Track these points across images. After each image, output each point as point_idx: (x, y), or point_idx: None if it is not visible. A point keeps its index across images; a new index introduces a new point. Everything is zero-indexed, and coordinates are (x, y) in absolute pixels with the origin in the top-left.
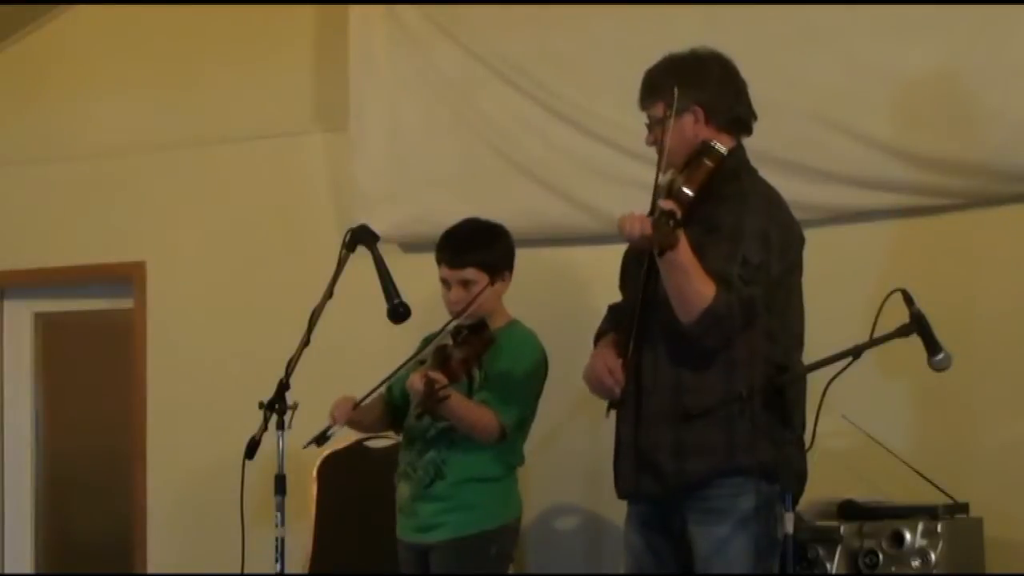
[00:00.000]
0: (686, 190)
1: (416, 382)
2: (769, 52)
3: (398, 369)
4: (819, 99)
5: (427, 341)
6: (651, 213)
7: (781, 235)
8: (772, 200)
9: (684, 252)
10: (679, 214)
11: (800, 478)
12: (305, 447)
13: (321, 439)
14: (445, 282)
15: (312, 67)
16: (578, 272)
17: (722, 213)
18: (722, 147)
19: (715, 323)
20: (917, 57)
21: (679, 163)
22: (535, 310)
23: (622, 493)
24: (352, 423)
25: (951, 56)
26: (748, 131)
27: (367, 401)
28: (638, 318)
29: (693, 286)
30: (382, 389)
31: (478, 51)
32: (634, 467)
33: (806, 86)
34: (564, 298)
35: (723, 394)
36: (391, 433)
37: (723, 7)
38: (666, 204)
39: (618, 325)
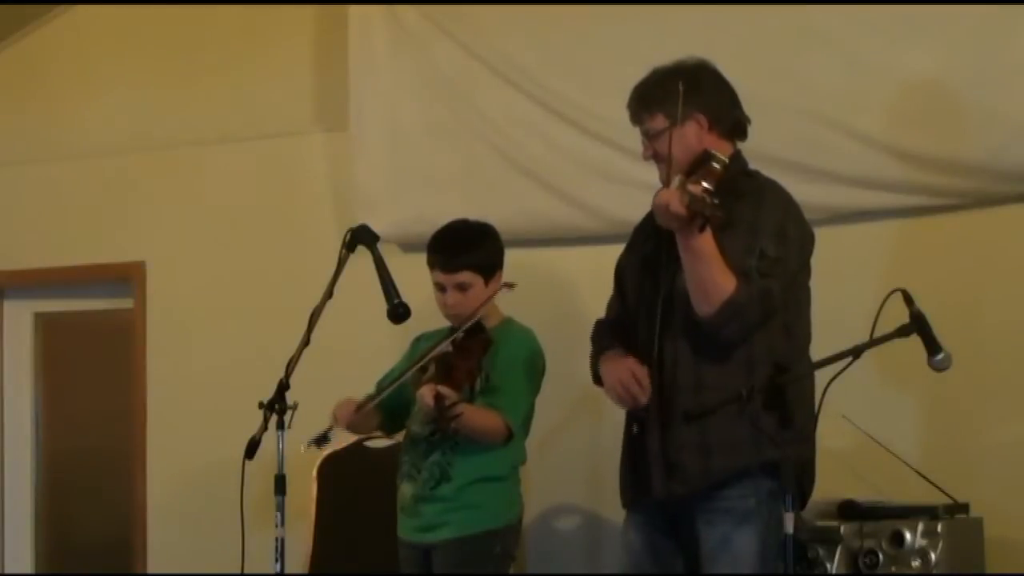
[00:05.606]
0: (705, 184)
1: (427, 400)
2: (769, 52)
3: (398, 378)
4: (819, 99)
5: (419, 341)
6: None
7: (798, 231)
8: (788, 198)
9: (708, 241)
10: (708, 198)
11: (811, 478)
12: (305, 449)
13: (322, 440)
14: (439, 286)
15: (312, 67)
16: (578, 272)
17: (740, 209)
18: (722, 155)
19: (734, 314)
20: (916, 57)
21: (683, 172)
22: (535, 310)
23: (651, 498)
24: (351, 426)
25: (950, 56)
26: (744, 136)
27: (367, 409)
28: (660, 317)
29: (714, 277)
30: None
31: (478, 51)
32: (662, 472)
33: (806, 86)
34: (564, 298)
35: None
36: (385, 433)
37: (723, 7)
38: (695, 188)
39: (620, 340)
